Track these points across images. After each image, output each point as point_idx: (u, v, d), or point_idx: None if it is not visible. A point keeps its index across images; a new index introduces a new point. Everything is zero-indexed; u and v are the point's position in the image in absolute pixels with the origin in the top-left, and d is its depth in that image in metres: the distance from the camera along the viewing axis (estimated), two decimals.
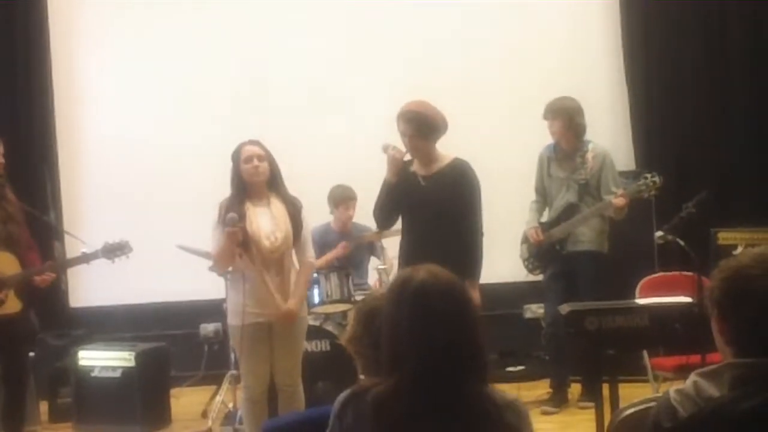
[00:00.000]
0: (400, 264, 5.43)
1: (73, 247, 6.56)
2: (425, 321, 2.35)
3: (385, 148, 5.27)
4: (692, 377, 2.23)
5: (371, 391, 2.41)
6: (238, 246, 5.01)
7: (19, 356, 5.46)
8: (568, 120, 6.26)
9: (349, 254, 6.82)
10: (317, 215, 6.60)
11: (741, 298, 2.22)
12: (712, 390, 2.18)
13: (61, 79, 7.81)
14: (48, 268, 5.53)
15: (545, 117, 6.32)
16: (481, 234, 5.31)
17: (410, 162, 5.37)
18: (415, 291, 2.39)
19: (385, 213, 5.42)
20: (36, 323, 5.62)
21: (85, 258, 5.48)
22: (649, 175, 6.06)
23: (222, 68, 7.81)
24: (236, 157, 5.16)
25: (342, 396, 2.53)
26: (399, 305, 2.41)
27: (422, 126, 5.19)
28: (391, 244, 5.99)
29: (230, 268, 5.32)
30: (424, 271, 2.45)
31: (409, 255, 5.32)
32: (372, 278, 6.91)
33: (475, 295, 5.11)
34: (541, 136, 6.45)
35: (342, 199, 6.90)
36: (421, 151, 5.27)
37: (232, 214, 5.00)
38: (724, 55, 7.67)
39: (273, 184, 5.18)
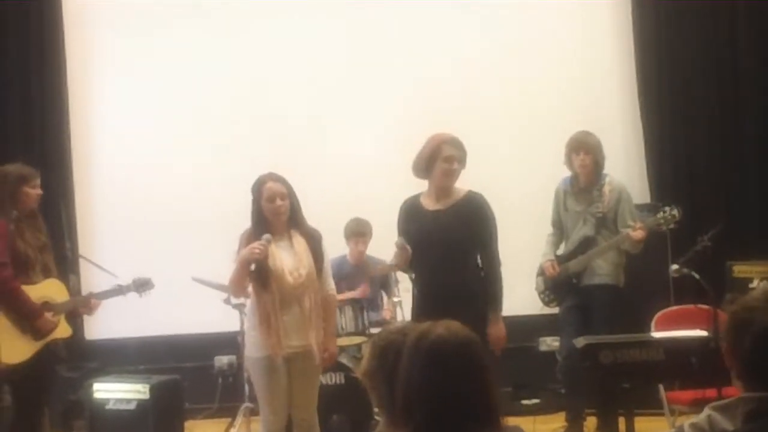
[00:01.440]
0: (414, 296, 5.43)
1: (87, 280, 6.59)
2: (437, 376, 2.37)
3: (397, 244, 5.32)
4: (706, 411, 2.24)
5: None
6: (253, 262, 4.97)
7: (52, 382, 5.58)
8: (598, 154, 6.25)
9: (369, 297, 6.80)
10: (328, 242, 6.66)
11: (744, 331, 2.23)
12: (725, 424, 2.18)
13: (76, 111, 7.88)
14: (92, 296, 5.69)
15: (576, 150, 6.24)
16: (500, 264, 5.34)
17: (417, 196, 5.41)
18: (430, 346, 2.41)
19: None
20: (63, 352, 5.73)
21: (120, 291, 5.64)
22: (668, 208, 6.04)
23: (233, 99, 7.88)
24: (257, 192, 5.10)
25: None
26: (413, 358, 2.43)
27: (465, 153, 5.29)
28: (404, 277, 5.99)
29: (247, 299, 5.30)
30: (443, 326, 2.46)
31: (425, 290, 5.33)
32: (385, 309, 6.91)
33: (500, 327, 5.22)
34: (556, 169, 6.44)
35: (352, 233, 6.92)
36: (454, 181, 5.32)
37: (267, 235, 4.99)
38: (738, 87, 7.67)
39: (293, 219, 5.14)
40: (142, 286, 5.66)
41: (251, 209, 5.13)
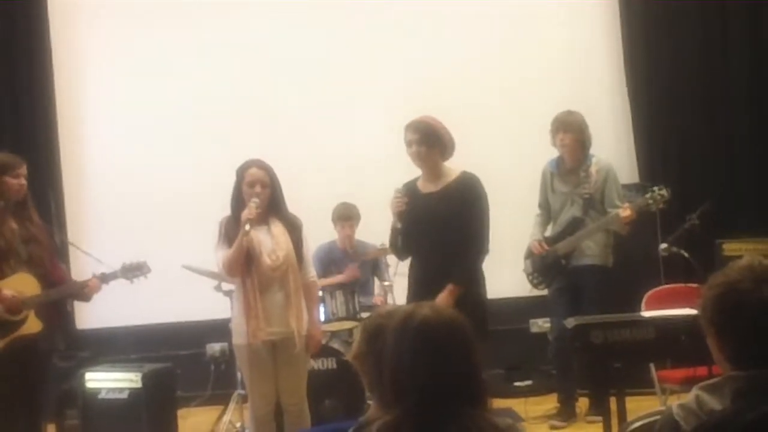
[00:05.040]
0: (409, 282, 5.42)
1: (81, 268, 6.57)
2: (426, 357, 2.36)
3: (396, 190, 5.31)
4: (694, 391, 2.24)
5: (376, 424, 2.42)
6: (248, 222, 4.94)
7: (42, 376, 5.49)
8: (579, 133, 6.25)
9: (358, 277, 6.80)
10: (321, 231, 6.66)
11: (735, 313, 2.21)
12: (714, 403, 2.18)
13: (64, 99, 7.85)
14: (72, 286, 5.56)
15: (557, 130, 6.27)
16: (486, 250, 5.28)
17: (415, 180, 5.39)
18: (417, 327, 2.40)
19: (399, 250, 5.47)
20: (60, 343, 5.67)
21: (104, 278, 5.50)
22: (656, 188, 6.05)
23: (224, 89, 7.84)
24: (240, 176, 5.13)
25: (351, 430, 2.56)
26: (401, 340, 2.42)
27: (428, 134, 5.22)
28: (395, 261, 6.00)
29: (234, 285, 5.31)
30: (428, 307, 2.45)
31: (418, 273, 5.32)
32: (376, 293, 6.93)
33: (448, 301, 4.90)
34: (544, 151, 6.45)
35: (339, 217, 6.93)
36: (426, 162, 5.28)
37: (256, 199, 4.99)
38: (727, 66, 7.68)
39: (274, 208, 5.16)
40: (131, 271, 5.50)
41: (232, 191, 5.16)
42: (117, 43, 7.91)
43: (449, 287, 5.07)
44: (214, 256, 5.18)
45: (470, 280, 5.20)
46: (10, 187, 5.28)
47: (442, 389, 2.33)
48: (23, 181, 5.34)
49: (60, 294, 5.52)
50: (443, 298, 4.98)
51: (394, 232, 5.35)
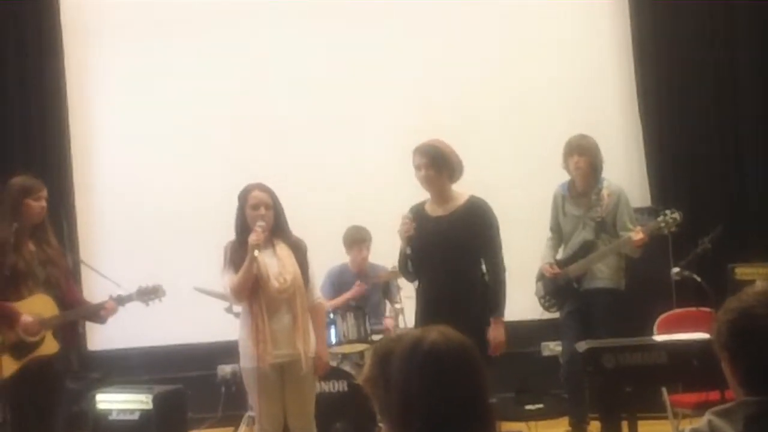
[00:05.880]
0: (417, 305, 5.42)
1: (92, 289, 6.58)
2: (436, 382, 2.36)
3: (403, 216, 5.32)
4: (707, 416, 2.23)
5: None
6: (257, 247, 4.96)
7: (56, 397, 5.49)
8: (593, 157, 6.24)
9: (365, 294, 6.81)
10: (329, 254, 6.65)
11: (749, 338, 2.21)
12: (726, 428, 2.18)
13: (76, 122, 7.88)
14: (89, 308, 5.56)
15: (570, 153, 6.25)
16: (504, 270, 5.34)
17: (422, 203, 5.39)
18: (426, 352, 2.40)
19: (409, 274, 5.48)
20: (74, 364, 5.69)
21: (120, 300, 5.50)
22: (668, 212, 6.04)
23: (234, 109, 7.88)
24: (243, 200, 5.16)
25: None
26: (410, 364, 2.42)
27: (436, 158, 5.23)
28: (406, 284, 5.99)
29: (241, 308, 5.31)
30: (436, 332, 2.45)
31: (427, 296, 5.33)
32: (387, 316, 6.92)
33: (500, 332, 5.21)
34: (555, 174, 6.44)
35: (353, 241, 6.92)
36: (435, 186, 5.29)
37: (262, 223, 5.01)
38: (738, 88, 7.68)
39: (277, 230, 5.17)
40: (146, 294, 5.50)
41: (236, 216, 5.18)
42: (129, 64, 7.95)
43: (495, 321, 5.22)
44: (221, 281, 5.19)
45: (504, 305, 5.29)
46: (31, 209, 5.33)
47: (450, 413, 2.33)
48: (44, 204, 5.39)
49: (77, 315, 5.55)
50: (497, 335, 5.19)
51: (403, 256, 5.37)
